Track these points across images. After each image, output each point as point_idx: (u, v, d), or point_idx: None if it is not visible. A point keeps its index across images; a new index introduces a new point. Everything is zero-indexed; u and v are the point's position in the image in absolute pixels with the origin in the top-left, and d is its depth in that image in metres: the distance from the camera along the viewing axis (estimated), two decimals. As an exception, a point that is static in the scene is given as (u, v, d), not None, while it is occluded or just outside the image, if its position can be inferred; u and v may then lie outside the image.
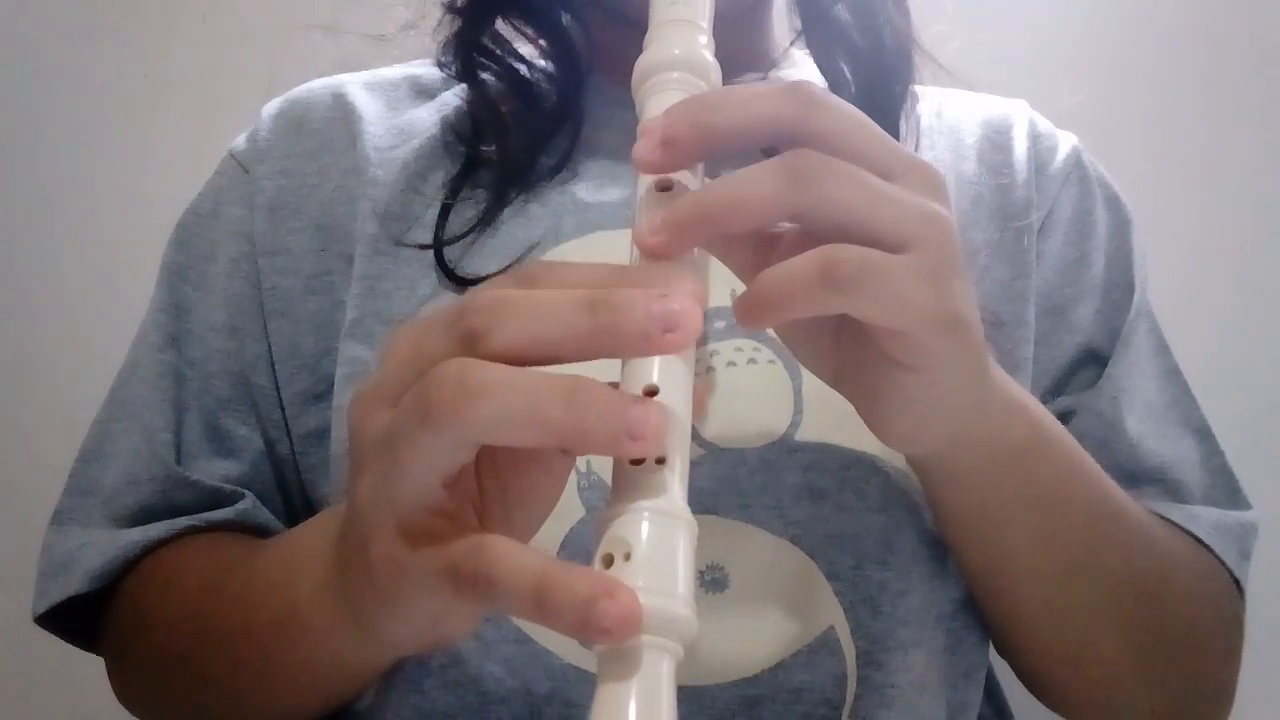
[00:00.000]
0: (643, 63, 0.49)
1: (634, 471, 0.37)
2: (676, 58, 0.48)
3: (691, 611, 0.35)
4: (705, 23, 0.50)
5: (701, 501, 0.55)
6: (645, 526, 0.35)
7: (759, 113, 0.41)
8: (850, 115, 0.42)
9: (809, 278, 0.39)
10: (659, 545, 0.35)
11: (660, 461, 0.36)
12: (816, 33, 0.70)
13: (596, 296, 0.35)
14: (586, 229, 0.62)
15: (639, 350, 0.36)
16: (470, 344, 0.35)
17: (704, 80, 0.48)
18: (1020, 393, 0.52)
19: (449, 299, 0.60)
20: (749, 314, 0.40)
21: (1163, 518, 0.62)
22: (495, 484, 0.40)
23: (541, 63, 0.69)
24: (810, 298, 0.39)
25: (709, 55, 0.49)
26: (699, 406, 0.40)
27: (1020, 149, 0.69)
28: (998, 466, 0.51)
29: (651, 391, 0.37)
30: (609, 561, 0.35)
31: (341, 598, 0.43)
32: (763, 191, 0.39)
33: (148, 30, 1.11)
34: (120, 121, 1.10)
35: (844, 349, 0.46)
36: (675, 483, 0.37)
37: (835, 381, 0.48)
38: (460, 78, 0.69)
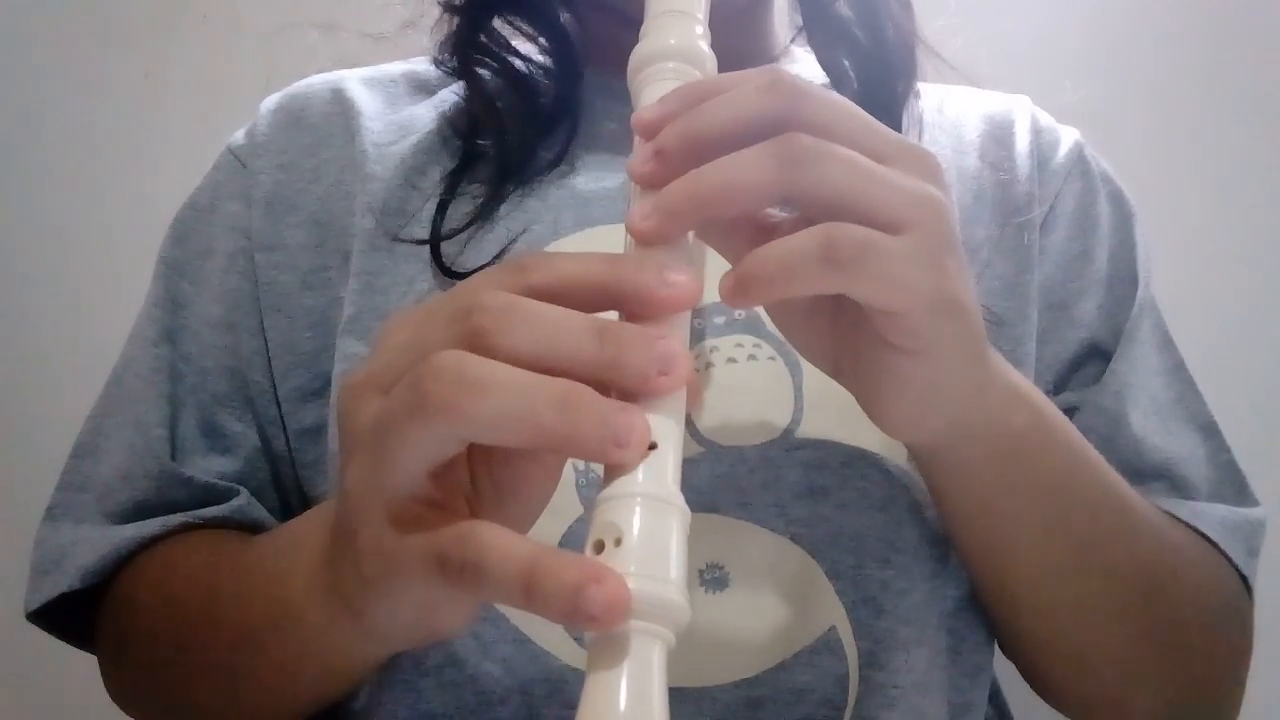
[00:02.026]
0: (638, 53, 0.49)
1: None
2: (672, 48, 0.48)
3: (684, 597, 0.35)
4: (701, 14, 0.50)
5: (701, 500, 0.55)
6: (636, 512, 0.35)
7: (745, 111, 0.41)
8: (837, 103, 0.42)
9: (809, 255, 0.39)
10: (650, 531, 0.35)
11: (652, 447, 0.36)
12: (818, 29, 0.69)
13: (607, 327, 0.36)
14: (585, 223, 0.61)
15: (633, 386, 0.36)
16: (474, 342, 0.35)
17: (699, 70, 0.48)
18: (1021, 380, 0.52)
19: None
20: (742, 289, 0.40)
21: (1169, 514, 0.61)
22: (488, 476, 0.39)
23: (539, 58, 0.69)
24: (809, 276, 0.39)
25: (704, 45, 0.49)
26: (694, 395, 0.40)
27: (1022, 144, 0.68)
28: (999, 455, 0.51)
29: None
30: (600, 547, 0.35)
31: (334, 590, 0.43)
32: (756, 174, 0.39)
33: (148, 30, 1.11)
34: (120, 121, 1.10)
35: (841, 336, 0.46)
36: (668, 468, 0.37)
37: (834, 371, 0.48)
38: (458, 75, 0.69)
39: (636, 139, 0.44)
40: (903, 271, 0.39)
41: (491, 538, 0.34)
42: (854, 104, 0.42)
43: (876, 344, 0.43)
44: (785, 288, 0.40)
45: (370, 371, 0.39)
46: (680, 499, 0.36)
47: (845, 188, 0.39)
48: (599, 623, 0.32)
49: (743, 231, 0.45)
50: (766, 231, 0.44)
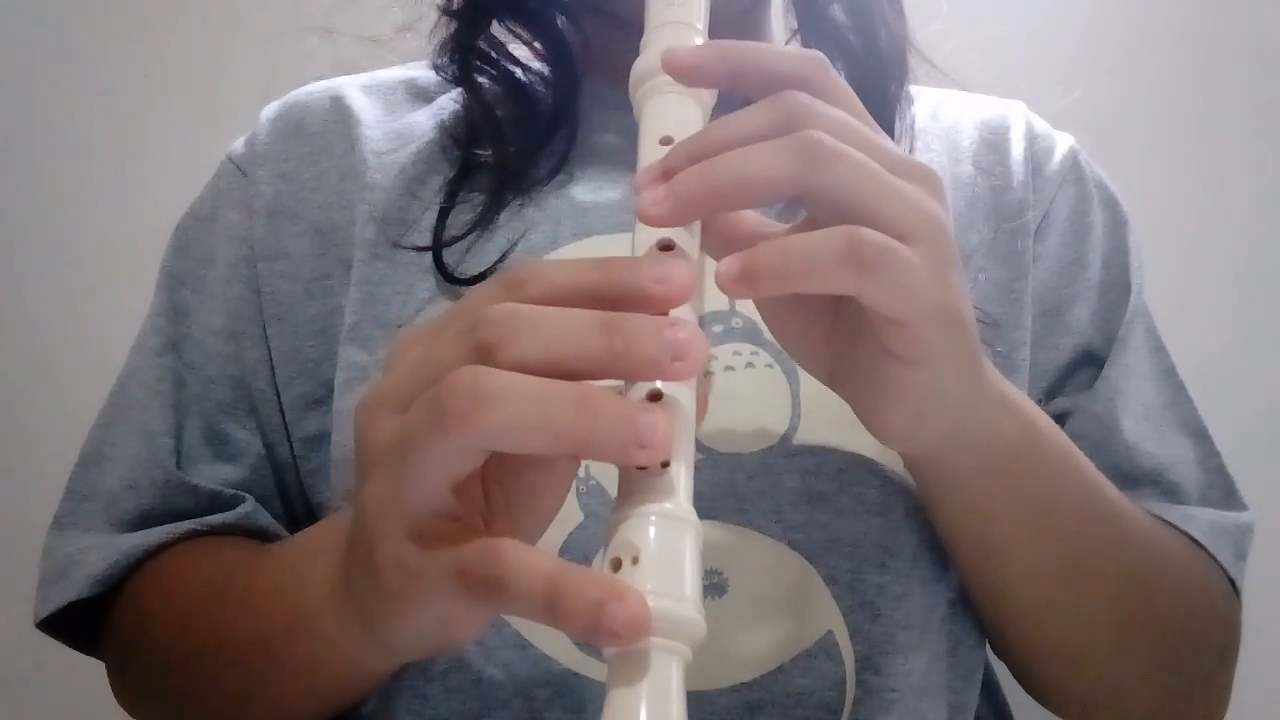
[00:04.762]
0: (639, 66, 0.49)
1: (640, 475, 0.37)
2: None
3: (699, 614, 0.35)
4: (701, 25, 0.51)
5: (699, 506, 0.54)
6: (652, 530, 0.36)
7: (753, 125, 0.41)
8: (845, 121, 0.42)
9: (831, 253, 0.39)
10: (666, 548, 0.36)
11: (665, 465, 0.37)
12: (813, 33, 0.69)
13: (611, 320, 0.36)
14: (583, 233, 0.62)
15: (646, 375, 0.37)
16: (483, 356, 0.36)
17: None
18: (1014, 392, 0.52)
19: (447, 304, 0.61)
20: (749, 278, 0.39)
21: (1159, 518, 0.62)
22: (500, 487, 0.40)
23: (537, 66, 0.69)
24: (828, 274, 0.39)
25: None
26: (702, 408, 0.40)
27: (1017, 150, 0.69)
28: (991, 465, 0.51)
29: (656, 395, 0.38)
30: (617, 565, 0.36)
31: (349, 602, 0.44)
32: (772, 168, 0.39)
33: (148, 30, 1.11)
34: (120, 121, 1.10)
35: (838, 343, 0.47)
36: (681, 485, 0.37)
37: (829, 378, 0.48)
38: (456, 81, 0.69)
39: (659, 79, 0.45)
40: (915, 281, 0.40)
41: (513, 554, 0.35)
42: (857, 120, 0.43)
43: (875, 352, 0.43)
44: (799, 282, 0.40)
45: (384, 390, 0.39)
46: (693, 515, 0.37)
47: (859, 191, 0.40)
48: (620, 639, 0.33)
49: (744, 239, 0.45)
50: (764, 237, 0.44)
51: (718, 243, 0.45)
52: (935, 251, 0.41)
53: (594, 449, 0.35)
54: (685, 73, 0.43)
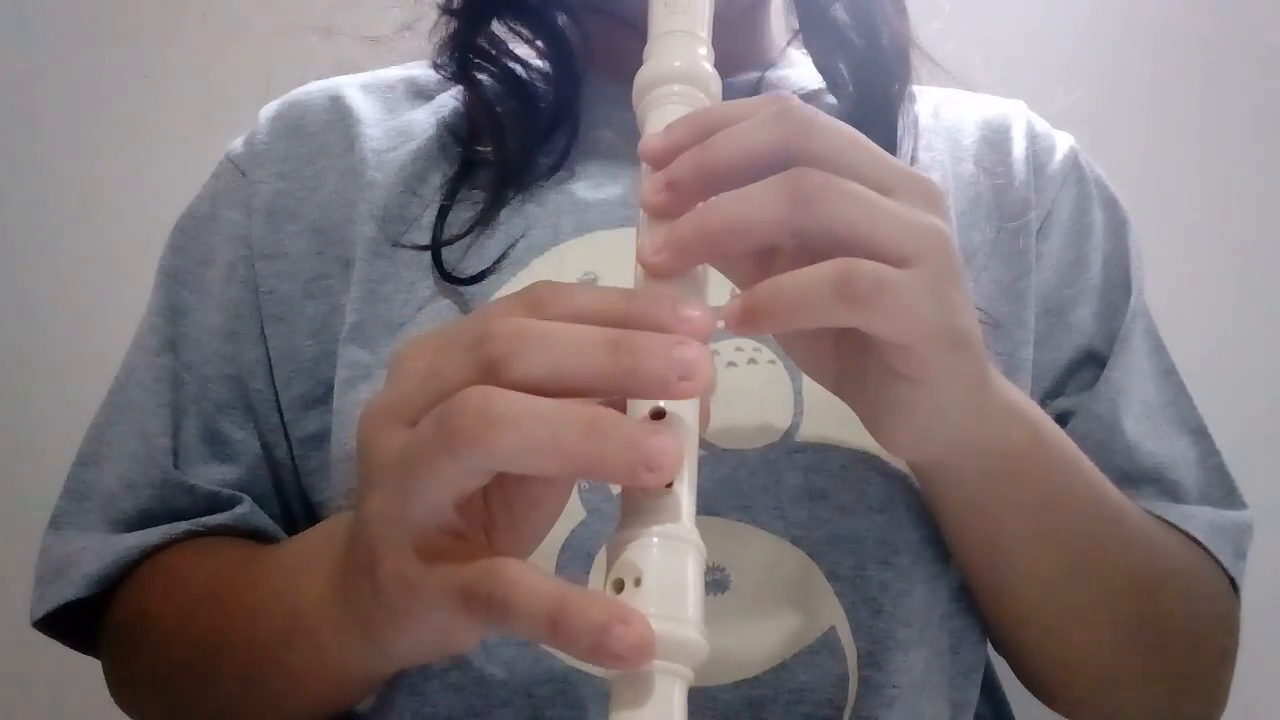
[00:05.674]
0: (643, 75, 0.49)
1: (643, 495, 0.37)
2: (677, 70, 0.48)
3: (701, 635, 0.36)
4: (704, 33, 0.50)
5: (702, 502, 0.54)
6: (655, 552, 0.36)
7: (756, 143, 0.41)
8: (844, 134, 0.42)
9: (823, 290, 0.39)
10: (669, 570, 0.36)
11: (669, 485, 0.37)
12: (814, 33, 0.70)
13: (620, 338, 0.36)
14: (585, 229, 0.62)
15: (653, 394, 0.37)
16: (490, 371, 0.36)
17: (704, 92, 0.48)
18: (1019, 397, 0.53)
19: (447, 303, 0.61)
20: (750, 319, 0.40)
21: (1159, 518, 0.62)
22: (501, 498, 0.40)
23: (538, 63, 0.69)
24: (823, 309, 0.39)
25: (708, 66, 0.49)
26: (705, 420, 0.40)
27: (1018, 149, 0.69)
28: (997, 472, 0.51)
29: (659, 413, 0.38)
30: (620, 586, 0.36)
31: (347, 609, 0.44)
32: (765, 213, 0.40)
33: (148, 30, 1.11)
34: (120, 121, 1.10)
35: (845, 358, 0.47)
36: (684, 506, 0.37)
37: (837, 389, 0.48)
38: (456, 79, 0.69)
39: (644, 166, 0.44)
40: (912, 305, 0.40)
41: (517, 574, 0.35)
42: (859, 132, 0.43)
43: (881, 370, 0.43)
44: (797, 320, 0.40)
45: (390, 401, 0.39)
46: (695, 534, 0.37)
47: (852, 223, 0.40)
48: (625, 662, 0.33)
49: (747, 256, 0.45)
50: (769, 255, 0.45)
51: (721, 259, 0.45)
52: (934, 271, 0.41)
53: (602, 471, 0.35)
54: (657, 159, 0.43)
